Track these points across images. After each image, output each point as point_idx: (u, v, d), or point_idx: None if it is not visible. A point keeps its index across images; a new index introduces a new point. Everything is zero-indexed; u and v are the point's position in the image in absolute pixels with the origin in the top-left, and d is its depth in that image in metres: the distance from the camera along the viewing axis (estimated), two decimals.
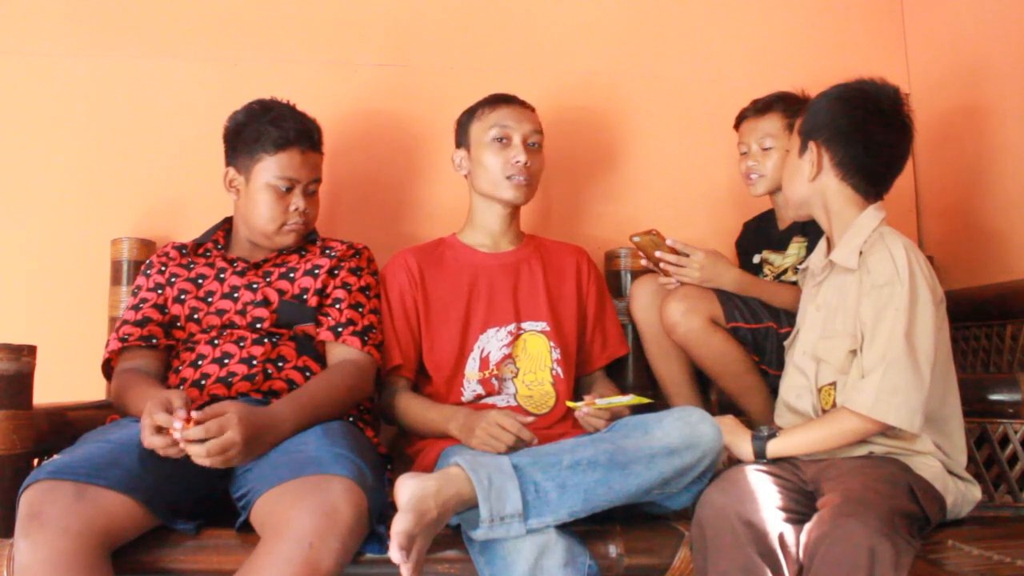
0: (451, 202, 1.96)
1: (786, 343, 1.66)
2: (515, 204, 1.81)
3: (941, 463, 1.42)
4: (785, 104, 1.88)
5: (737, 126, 1.96)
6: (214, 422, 1.32)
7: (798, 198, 1.57)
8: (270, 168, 1.68)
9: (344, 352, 1.64)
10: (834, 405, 1.46)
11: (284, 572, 1.19)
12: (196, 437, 1.30)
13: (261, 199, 1.69)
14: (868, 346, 1.40)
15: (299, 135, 1.70)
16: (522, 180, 1.77)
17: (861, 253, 1.47)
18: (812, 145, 1.52)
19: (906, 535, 1.19)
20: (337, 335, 1.64)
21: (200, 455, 1.31)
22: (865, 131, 1.50)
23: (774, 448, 1.46)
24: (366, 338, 1.65)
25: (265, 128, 1.69)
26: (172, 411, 1.33)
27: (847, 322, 1.46)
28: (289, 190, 1.70)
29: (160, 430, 1.32)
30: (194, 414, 1.33)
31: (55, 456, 1.37)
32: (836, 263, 1.50)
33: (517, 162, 1.76)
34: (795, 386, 1.56)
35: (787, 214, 1.64)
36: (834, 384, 1.47)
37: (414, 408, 1.69)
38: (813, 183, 1.53)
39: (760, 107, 1.90)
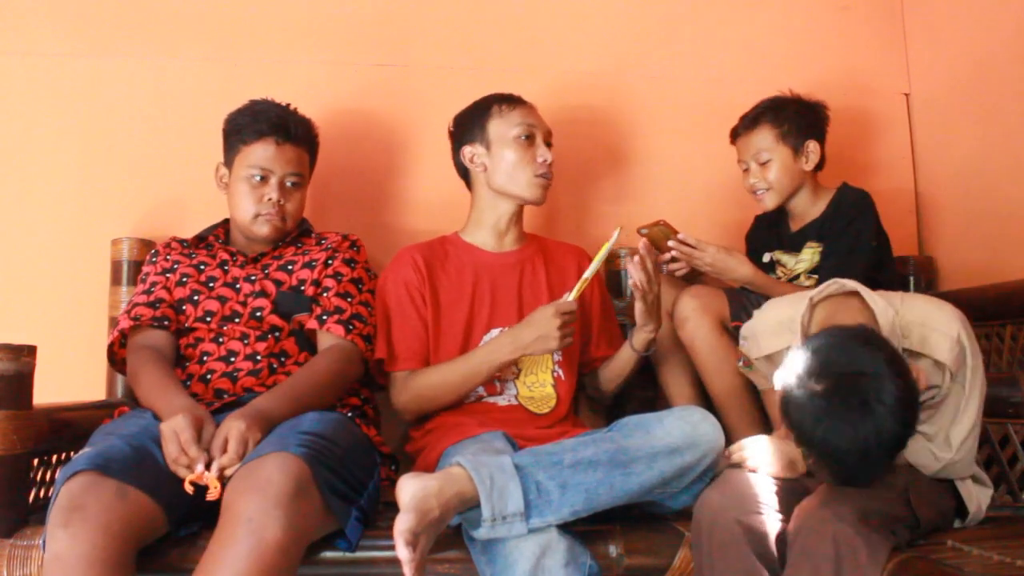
0: (449, 200, 1.96)
1: None
2: (538, 203, 1.82)
3: None
4: (773, 113, 1.87)
5: (733, 141, 1.96)
6: (235, 442, 1.34)
7: None
8: (245, 158, 1.72)
9: (329, 339, 1.65)
10: None
11: (234, 554, 1.18)
12: (230, 463, 1.32)
13: (238, 190, 1.72)
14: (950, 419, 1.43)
15: (274, 127, 1.71)
16: (548, 180, 1.80)
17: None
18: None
19: (882, 532, 1.20)
20: (322, 323, 1.65)
21: (233, 462, 1.33)
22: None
23: None
24: (351, 326, 1.65)
25: (245, 120, 1.73)
26: (201, 438, 1.35)
27: None
28: (263, 180, 1.70)
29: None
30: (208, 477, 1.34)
31: (87, 450, 1.36)
32: None
33: (545, 161, 1.78)
34: None
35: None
36: None
37: (437, 376, 1.69)
38: None
39: (748, 122, 1.90)
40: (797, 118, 1.86)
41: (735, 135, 1.94)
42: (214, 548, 1.21)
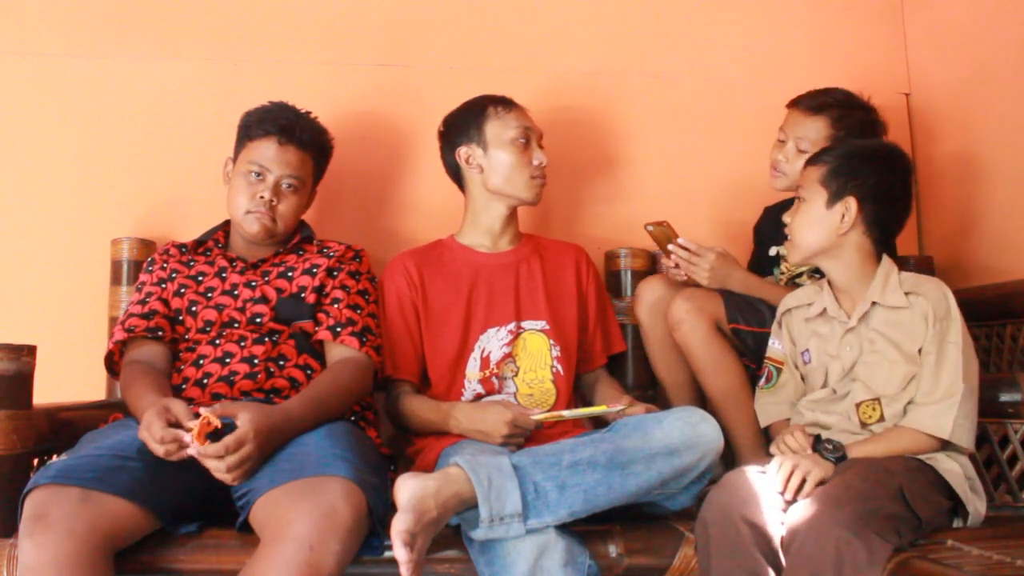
0: (449, 202, 1.96)
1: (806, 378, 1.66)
2: (533, 204, 1.84)
3: (963, 469, 1.46)
4: (840, 111, 1.82)
5: (788, 107, 1.90)
6: (232, 438, 1.32)
7: (818, 247, 1.57)
8: (247, 154, 1.73)
9: (343, 351, 1.65)
10: (881, 418, 1.50)
11: (286, 575, 1.19)
12: (214, 454, 1.31)
13: (236, 184, 1.73)
14: (932, 374, 1.47)
15: (280, 127, 1.72)
16: (542, 181, 1.81)
17: (907, 293, 1.53)
18: (852, 201, 1.53)
19: (882, 534, 1.21)
20: (336, 335, 1.65)
21: (220, 469, 1.32)
22: (902, 193, 1.59)
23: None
24: (364, 339, 1.65)
25: (255, 118, 1.75)
26: (173, 421, 1.34)
27: (900, 350, 1.50)
28: (259, 178, 1.71)
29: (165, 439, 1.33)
30: (204, 410, 1.33)
31: (59, 458, 1.37)
32: (882, 304, 1.54)
33: (540, 163, 1.80)
34: (821, 403, 1.58)
35: (792, 258, 1.63)
36: (877, 400, 1.50)
37: (416, 410, 1.70)
38: (842, 236, 1.55)
39: (814, 105, 1.84)
40: (854, 128, 1.82)
41: (795, 103, 1.88)
42: (264, 562, 1.22)
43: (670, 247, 1.80)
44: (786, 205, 1.95)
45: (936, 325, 1.48)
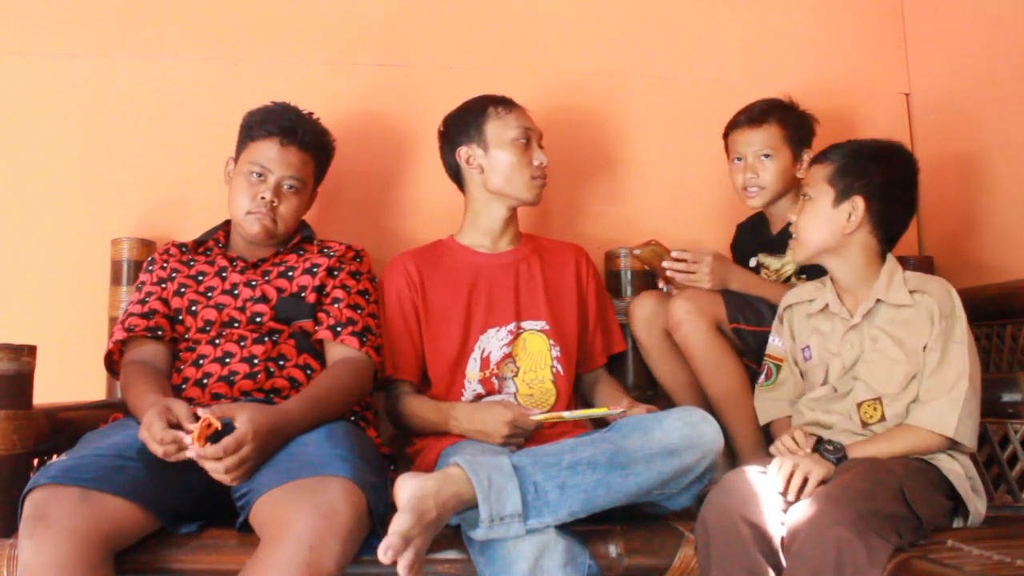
0: (449, 202, 1.96)
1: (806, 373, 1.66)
2: (533, 204, 1.84)
3: (964, 469, 1.46)
4: (780, 113, 1.86)
5: (726, 135, 1.93)
6: (231, 439, 1.32)
7: (823, 246, 1.57)
8: (249, 155, 1.73)
9: (343, 351, 1.65)
10: (883, 418, 1.49)
11: (286, 575, 1.19)
12: (214, 456, 1.31)
13: (237, 184, 1.73)
14: (936, 372, 1.47)
15: (282, 128, 1.72)
16: (543, 181, 1.81)
17: (912, 291, 1.53)
18: (859, 200, 1.54)
19: (883, 534, 1.21)
20: (336, 334, 1.65)
21: (219, 471, 1.32)
22: (908, 193, 1.60)
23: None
24: (364, 339, 1.65)
25: (258, 118, 1.75)
26: (174, 422, 1.35)
27: (904, 348, 1.50)
28: (261, 178, 1.71)
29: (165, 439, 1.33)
30: (202, 412, 1.33)
31: (58, 458, 1.37)
32: (886, 302, 1.54)
33: (541, 164, 1.80)
34: (822, 402, 1.57)
35: (796, 256, 1.63)
36: (878, 399, 1.50)
37: (416, 410, 1.71)
38: (848, 235, 1.55)
39: (755, 117, 1.87)
40: (799, 124, 1.87)
41: (734, 126, 1.90)
42: (263, 562, 1.22)
43: (665, 264, 1.79)
44: (756, 220, 1.99)
45: (941, 323, 1.48)
